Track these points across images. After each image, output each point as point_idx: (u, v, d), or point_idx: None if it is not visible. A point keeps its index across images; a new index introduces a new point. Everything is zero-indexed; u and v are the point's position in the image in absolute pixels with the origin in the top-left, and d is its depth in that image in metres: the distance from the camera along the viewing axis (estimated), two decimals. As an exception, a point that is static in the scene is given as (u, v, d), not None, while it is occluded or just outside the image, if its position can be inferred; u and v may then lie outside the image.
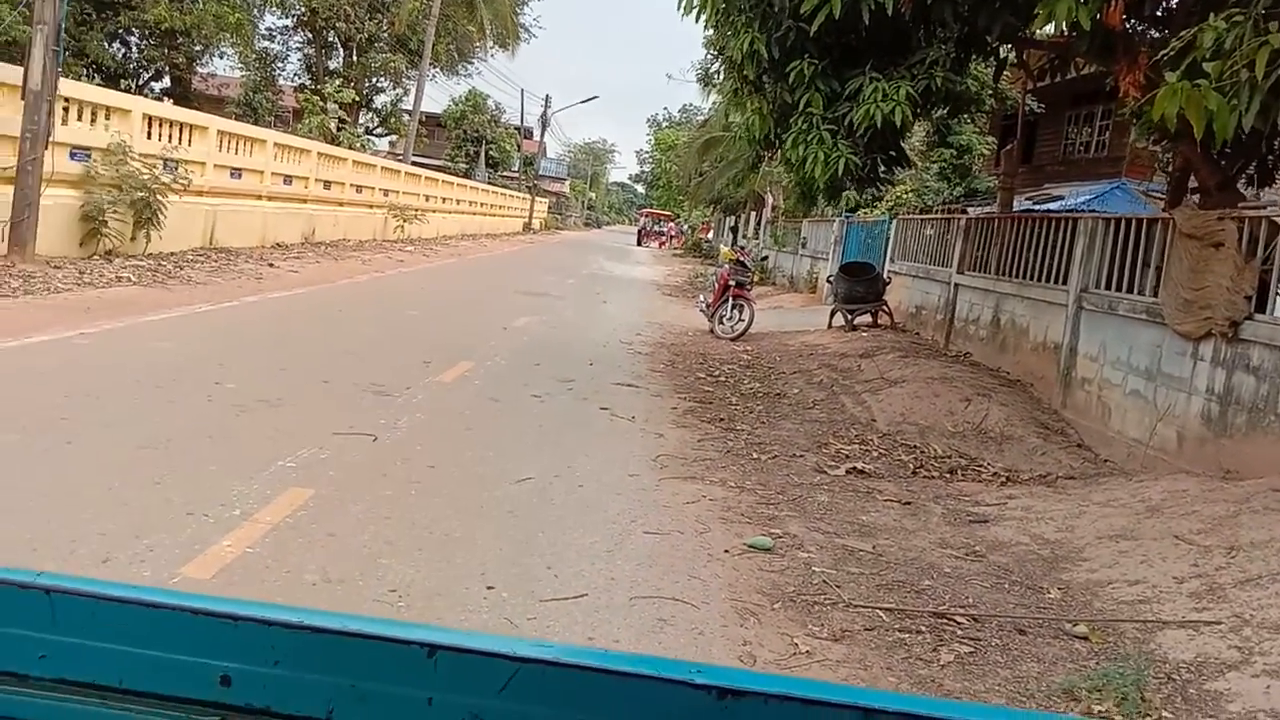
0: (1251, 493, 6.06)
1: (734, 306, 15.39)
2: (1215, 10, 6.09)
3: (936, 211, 18.53)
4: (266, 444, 6.13)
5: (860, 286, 15.50)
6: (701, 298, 17.90)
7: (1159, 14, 8.93)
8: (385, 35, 38.62)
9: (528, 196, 59.58)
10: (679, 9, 9.78)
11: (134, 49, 31.57)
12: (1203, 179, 9.15)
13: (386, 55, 38.57)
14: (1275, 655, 4.31)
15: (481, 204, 46.30)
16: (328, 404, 7.48)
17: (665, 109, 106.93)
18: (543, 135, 63.96)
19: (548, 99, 61.82)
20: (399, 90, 42.24)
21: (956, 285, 13.55)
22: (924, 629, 4.54)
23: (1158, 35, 8.87)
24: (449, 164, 50.16)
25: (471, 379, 9.33)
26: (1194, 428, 7.61)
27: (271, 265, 17.02)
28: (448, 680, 0.65)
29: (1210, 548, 5.43)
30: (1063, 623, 4.74)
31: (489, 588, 4.37)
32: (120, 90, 20.56)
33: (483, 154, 54.06)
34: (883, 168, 11.20)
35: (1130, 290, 8.91)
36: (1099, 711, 3.85)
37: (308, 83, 37.13)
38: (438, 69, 43.91)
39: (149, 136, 15.41)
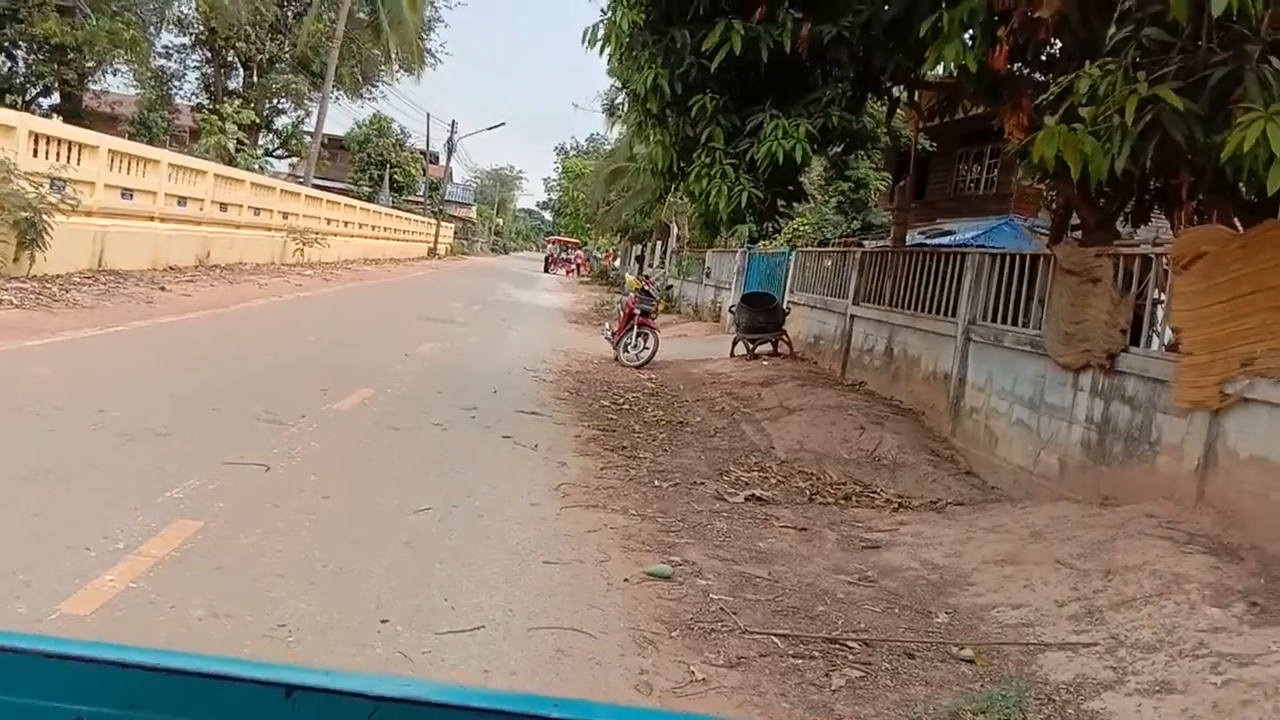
0: (1127, 518, 6.35)
1: (639, 335, 15.50)
2: (1091, 58, 6.42)
3: (834, 244, 18.99)
4: (154, 474, 5.94)
5: (761, 316, 15.78)
6: (607, 325, 17.98)
7: (1042, 59, 9.37)
8: (287, 56, 38.00)
9: (433, 221, 59.03)
10: (584, 42, 9.89)
11: (20, 63, 30.41)
12: (1083, 217, 9.60)
13: (288, 77, 37.94)
14: (1147, 675, 4.51)
15: (385, 228, 45.67)
16: (219, 433, 7.28)
17: (573, 137, 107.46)
18: (449, 160, 63.53)
19: (454, 124, 61.56)
20: (301, 112, 41.56)
21: (852, 316, 13.89)
22: (817, 654, 4.63)
23: (1040, 79, 9.30)
24: (352, 187, 49.41)
25: (370, 407, 9.18)
26: (1075, 455, 7.94)
27: (163, 289, 16.50)
28: (306, 721, 0.67)
29: (1089, 571, 5.66)
30: (950, 646, 4.88)
31: (383, 621, 4.30)
32: (6, 106, 19.77)
33: (387, 178, 53.40)
34: (782, 202, 11.45)
35: (1015, 323, 9.27)
36: (983, 732, 3.97)
37: (206, 102, 36.24)
38: (341, 91, 43.31)
39: (35, 154, 14.83)
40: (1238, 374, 6.30)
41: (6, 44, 28.41)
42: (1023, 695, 4.26)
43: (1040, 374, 8.55)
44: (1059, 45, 8.80)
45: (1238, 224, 7.31)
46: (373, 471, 6.89)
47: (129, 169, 18.52)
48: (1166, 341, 7.42)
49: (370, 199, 48.20)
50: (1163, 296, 7.51)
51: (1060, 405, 8.20)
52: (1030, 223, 18.77)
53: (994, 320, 9.67)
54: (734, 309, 17.61)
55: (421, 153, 58.77)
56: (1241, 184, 6.47)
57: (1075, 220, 10.23)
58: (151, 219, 19.65)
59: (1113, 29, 6.19)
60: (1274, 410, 6.07)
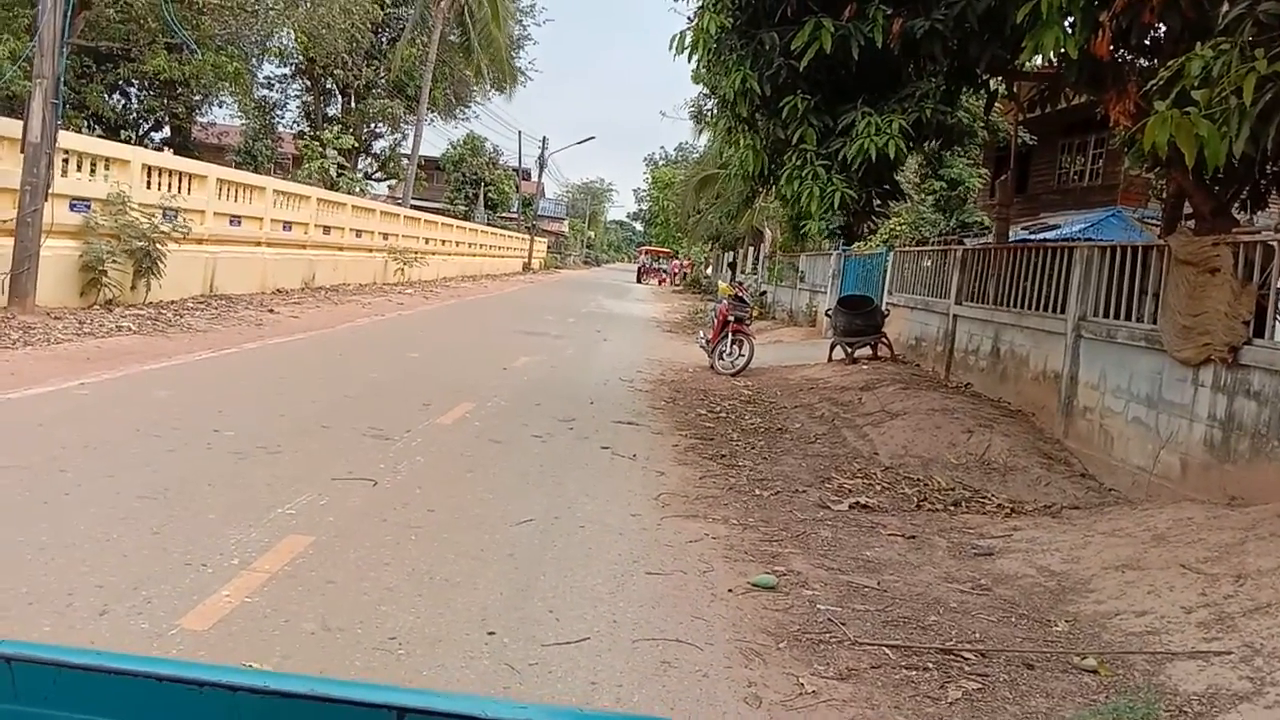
0: (1258, 519, 6.01)
1: (733, 342, 15.40)
2: (1202, 39, 6.13)
3: (933, 243, 18.59)
4: (265, 491, 6.10)
5: (859, 319, 15.52)
6: (701, 334, 17.91)
7: (1146, 43, 9.00)
8: (382, 81, 39.00)
9: (526, 237, 59.87)
10: (671, 49, 9.88)
11: (134, 100, 31.88)
12: (1197, 205, 9.17)
13: (384, 101, 38.93)
14: (1287, 684, 4.25)
15: (481, 245, 46.50)
16: (327, 449, 7.45)
17: (662, 147, 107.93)
18: (540, 176, 64.38)
19: (545, 140, 62.29)
20: (397, 135, 42.61)
21: (955, 316, 13.55)
22: (931, 666, 4.48)
23: (1146, 64, 8.94)
24: (448, 206, 50.46)
25: (471, 420, 9.30)
26: (1197, 454, 7.57)
27: (272, 311, 17.06)
28: (419, 745, 0.64)
29: (1218, 576, 5.37)
30: (1071, 656, 4.68)
31: (490, 633, 4.32)
32: (121, 141, 20.76)
33: (481, 196, 54.39)
34: (877, 201, 11.24)
35: (1129, 318, 8.90)
36: (1110, 746, 3.79)
37: (306, 129, 37.42)
38: (435, 113, 44.28)
39: (148, 186, 15.52)
40: (1376, 364, 5.92)
41: (120, 82, 29.79)
42: (1151, 707, 4.05)
43: (1157, 370, 8.18)
44: (1164, 28, 8.44)
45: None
46: (475, 484, 6.97)
47: (236, 197, 19.23)
48: (1295, 332, 7.04)
49: (466, 217, 49.17)
50: (1289, 285, 7.12)
51: (1180, 402, 7.83)
52: (1139, 213, 18.08)
53: (1106, 316, 9.31)
54: (830, 312, 17.37)
55: (514, 170, 59.70)
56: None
57: (1188, 209, 9.78)
58: (258, 244, 20.36)
59: (1226, 6, 5.91)
60: None
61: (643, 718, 0.70)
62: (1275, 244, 7.32)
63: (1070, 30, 7.59)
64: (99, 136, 20.12)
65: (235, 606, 4.32)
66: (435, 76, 38.00)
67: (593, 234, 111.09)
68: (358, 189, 33.88)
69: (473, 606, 4.61)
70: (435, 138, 79.74)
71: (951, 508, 7.58)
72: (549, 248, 73.61)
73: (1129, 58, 9.21)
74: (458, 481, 7.00)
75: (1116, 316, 9.10)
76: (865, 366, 14.55)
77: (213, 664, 0.69)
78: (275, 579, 4.69)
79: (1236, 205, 9.84)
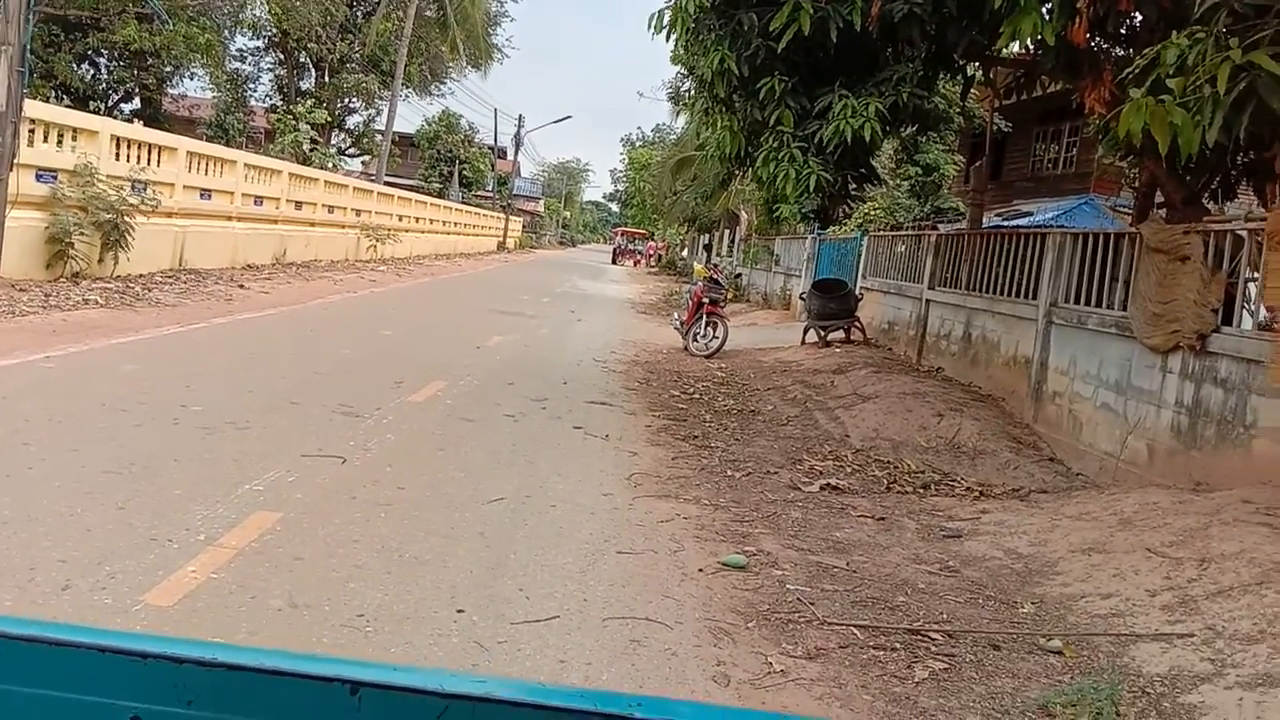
0: (1222, 504, 6.09)
1: (708, 324, 15.39)
2: (1177, 27, 6.16)
3: (907, 228, 18.65)
4: (233, 467, 6.04)
5: (833, 303, 15.56)
6: (676, 315, 17.90)
7: (1123, 31, 9.03)
8: (357, 56, 38.56)
9: (502, 216, 59.53)
10: (649, 28, 9.82)
11: (103, 70, 31.35)
12: (1169, 194, 9.24)
13: (358, 76, 38.50)
14: (1248, 667, 4.31)
15: (455, 223, 46.18)
16: (296, 426, 7.39)
17: (639, 128, 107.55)
18: (516, 155, 63.99)
19: (521, 119, 61.87)
20: (371, 110, 42.17)
21: (928, 301, 13.61)
22: (898, 646, 4.51)
23: (1122, 53, 8.97)
24: (422, 184, 50.05)
25: (443, 399, 9.25)
26: (1164, 440, 7.66)
27: (242, 286, 16.87)
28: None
29: (1182, 560, 5.44)
30: (1036, 637, 4.73)
31: (459, 611, 4.30)
32: (90, 112, 20.38)
33: (456, 174, 53.97)
34: (853, 185, 11.25)
35: (1099, 304, 8.97)
36: (1074, 727, 3.83)
37: (279, 103, 36.97)
38: (410, 89, 43.84)
39: (117, 158, 15.26)
40: (1341, 353, 6.00)
41: (89, 52, 29.29)
42: (1115, 688, 4.09)
43: (1126, 356, 8.26)
44: (1140, 17, 8.47)
45: (1337, 196, 6.97)
46: (446, 462, 6.93)
47: (207, 170, 18.97)
48: (1260, 320, 7.11)
49: (440, 195, 48.81)
50: (1255, 275, 7.19)
51: (1148, 388, 7.91)
52: (1111, 202, 18.20)
53: (1077, 302, 9.37)
54: (805, 296, 17.40)
55: (490, 148, 59.28)
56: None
57: (1160, 198, 9.85)
58: (229, 218, 20.11)
59: (1201, -5, 5.93)
60: (1381, 390, 5.77)
61: (604, 693, 0.68)
62: (1245, 233, 7.38)
63: (1048, 17, 7.60)
64: (67, 107, 19.77)
65: (201, 582, 4.28)
66: (410, 52, 37.63)
67: (569, 214, 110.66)
68: (331, 164, 33.52)
69: (442, 584, 4.59)
70: (410, 114, 79.03)
71: (921, 490, 7.62)
72: (524, 227, 73.26)
73: (1105, 46, 9.25)
74: (429, 460, 6.96)
75: (1087, 303, 9.17)
76: (838, 350, 14.60)
77: (158, 635, 0.67)
78: (242, 555, 4.64)
79: (1208, 195, 9.93)
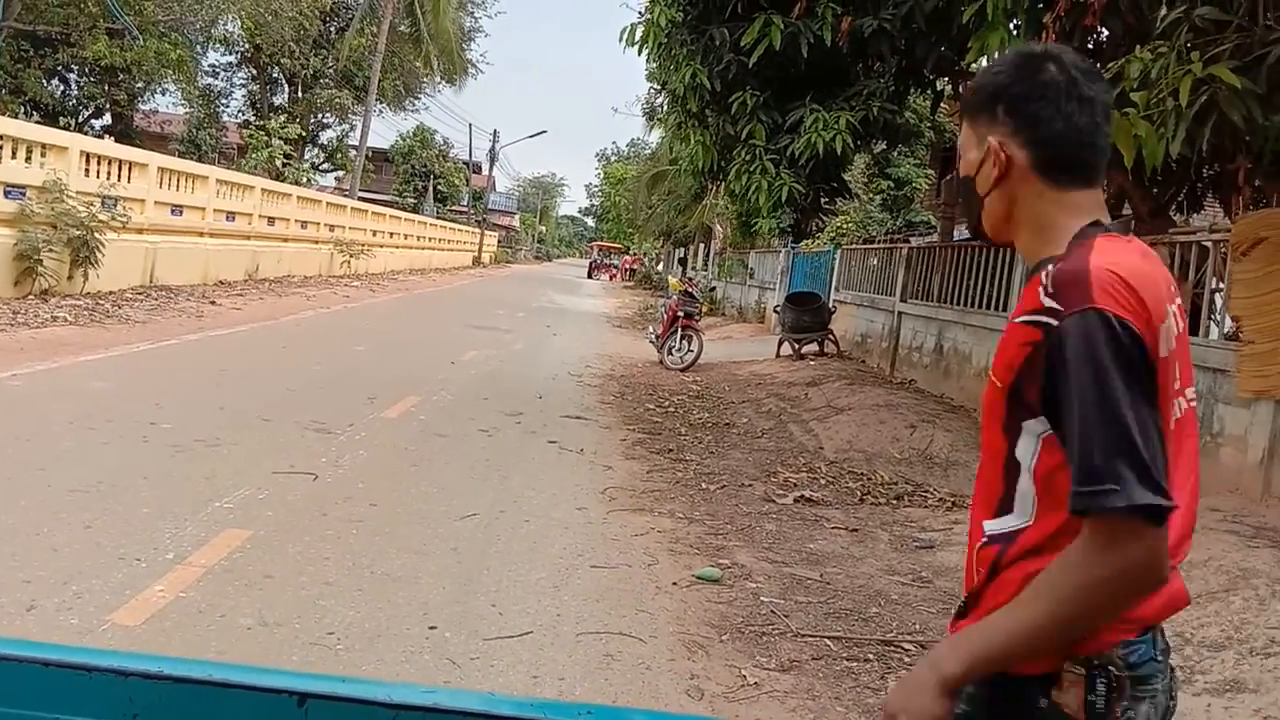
0: (1190, 513, 6.15)
1: (683, 337, 15.43)
2: (1141, 42, 6.25)
3: (879, 242, 18.79)
4: (203, 485, 5.99)
5: (807, 316, 15.63)
6: (651, 329, 17.93)
7: (1090, 46, 9.15)
8: (330, 71, 38.50)
9: (477, 230, 59.48)
10: (621, 41, 9.86)
11: (73, 86, 31.19)
12: (1135, 206, 9.36)
13: (332, 91, 38.47)
14: (1216, 674, 4.36)
15: (430, 238, 46.08)
16: (268, 443, 7.33)
17: (614, 143, 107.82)
18: (491, 169, 64.03)
19: (495, 133, 61.89)
20: (345, 126, 42.15)
21: (900, 313, 13.71)
22: (871, 657, 4.53)
23: (1089, 67, 9.09)
24: (397, 199, 49.94)
25: (417, 414, 9.21)
26: (1133, 450, 7.73)
27: (214, 303, 16.75)
28: (320, 731, 0.62)
29: (1151, 568, 5.48)
30: (1008, 647, 4.75)
31: (431, 628, 4.28)
32: (60, 128, 20.21)
33: (431, 188, 53.91)
34: (825, 198, 11.34)
35: (1068, 316, 9.06)
36: (1045, 735, 3.84)
37: (252, 119, 36.84)
38: (384, 104, 43.81)
39: (87, 174, 15.13)
40: (1303, 362, 6.09)
41: (59, 67, 29.09)
42: (1086, 697, 4.12)
43: (1095, 367, 8.34)
44: (1106, 32, 8.59)
45: (1299, 208, 7.08)
46: (419, 478, 6.90)
47: (178, 186, 18.84)
48: (1226, 330, 7.20)
49: (415, 210, 48.71)
50: (1221, 285, 7.29)
51: (1117, 399, 7.99)
52: (1080, 214, 18.39)
53: (1046, 313, 9.47)
54: (779, 309, 17.48)
55: (464, 163, 59.27)
56: (1302, 166, 6.27)
57: (1127, 210, 9.98)
58: (201, 235, 19.98)
59: (1164, 10, 6.02)
60: (1343, 399, 5.86)
61: (553, 702, 0.68)
62: (1210, 244, 7.49)
63: (1015, 32, 7.69)
64: (37, 123, 19.60)
65: (169, 601, 4.23)
66: (384, 67, 37.58)
67: (544, 229, 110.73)
68: (304, 180, 33.40)
69: (414, 601, 4.56)
70: (384, 129, 79.03)
71: (894, 501, 7.66)
72: (499, 242, 73.19)
73: (1072, 60, 9.35)
74: (401, 476, 6.93)
75: (1057, 314, 9.26)
76: (812, 362, 14.67)
77: (104, 649, 0.67)
78: (211, 574, 4.60)
79: (1174, 206, 10.07)
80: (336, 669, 3.80)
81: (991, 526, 1.60)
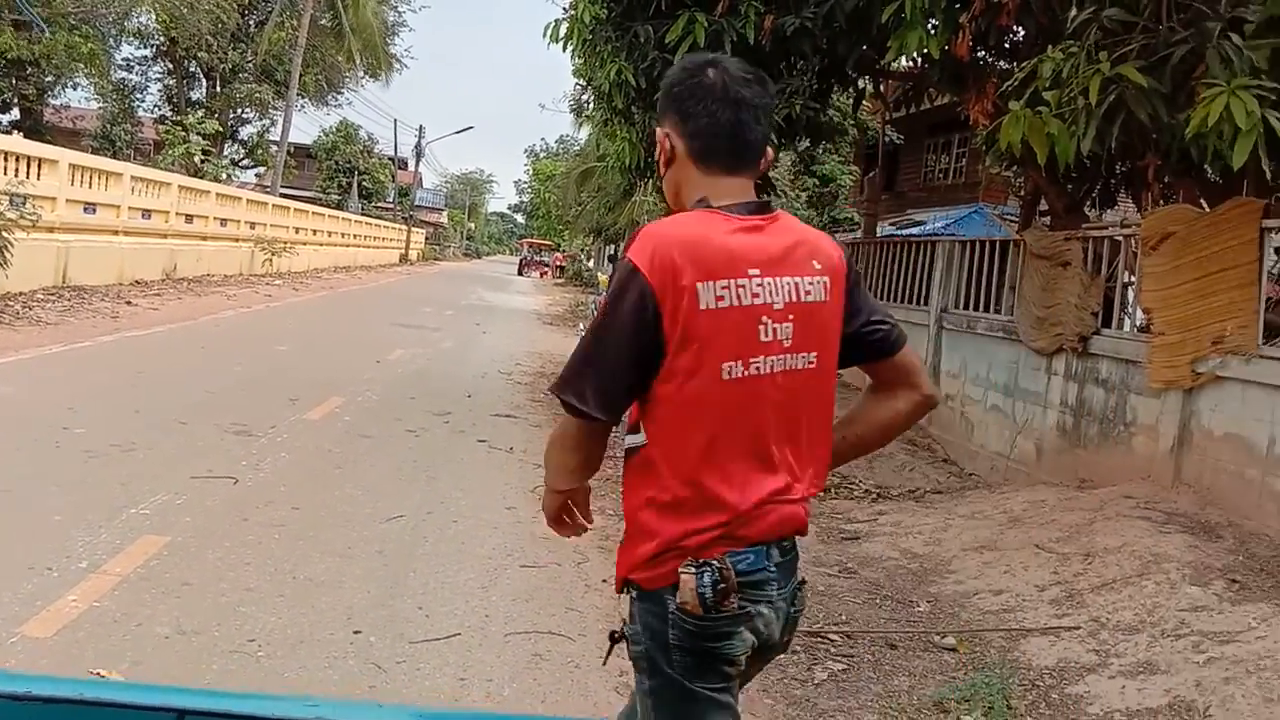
0: (1105, 500, 6.34)
1: (612, 334, 15.39)
2: (1054, 42, 6.41)
3: (807, 237, 18.96)
4: (118, 491, 5.81)
5: (736, 312, 15.72)
6: (582, 326, 17.89)
7: (1006, 46, 9.37)
8: (250, 65, 37.64)
9: (403, 227, 58.71)
10: (545, 37, 9.81)
11: (-23, 79, 29.98)
12: (1051, 202, 9.62)
13: (251, 86, 37.59)
14: (1130, 656, 4.50)
15: (355, 235, 45.35)
16: (186, 447, 7.14)
17: (543, 139, 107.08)
18: (417, 165, 63.23)
19: (421, 129, 61.13)
20: (266, 121, 41.18)
21: (827, 308, 13.87)
22: (799, 649, 4.57)
23: (1006, 66, 9.30)
24: (321, 195, 49.02)
25: (341, 415, 9.06)
26: (1051, 440, 7.94)
27: (129, 303, 16.27)
28: (201, 748, 0.59)
29: (1068, 555, 5.64)
30: (932, 635, 4.85)
31: (356, 632, 4.21)
32: (-39, 123, 19.45)
33: (355, 185, 53.03)
34: (751, 195, 11.40)
35: (988, 310, 9.27)
36: (967, 721, 3.93)
37: (169, 114, 35.84)
38: (306, 99, 42.98)
39: (-8, 171, 14.59)
40: (1209, 352, 6.31)
41: (-38, 60, 27.97)
42: (1006, 682, 4.22)
43: (1014, 359, 8.55)
44: (1022, 32, 8.80)
45: (1204, 204, 7.33)
46: (344, 481, 6.78)
47: (91, 183, 18.26)
48: (1138, 323, 7.44)
49: (339, 207, 47.88)
50: (1132, 278, 7.53)
51: (1034, 390, 8.20)
52: (999, 210, 18.83)
53: (966, 308, 9.67)
54: (708, 305, 17.52)
55: (390, 159, 58.44)
56: (1206, 164, 6.48)
57: (1044, 206, 10.25)
58: (115, 233, 19.39)
59: (1074, 11, 6.19)
60: (1246, 387, 6.09)
61: (442, 710, 0.66)
62: (1121, 239, 7.72)
63: (933, 31, 7.84)
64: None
65: (82, 611, 4.10)
66: (305, 61, 36.84)
67: (473, 225, 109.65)
68: (223, 176, 32.61)
69: (338, 606, 4.49)
70: (306, 125, 77.50)
71: (821, 494, 7.75)
72: (427, 239, 72.32)
73: (990, 59, 9.57)
74: (325, 478, 6.80)
75: (976, 308, 9.46)
76: (741, 358, 14.75)
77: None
78: (126, 582, 4.46)
79: (1089, 202, 10.36)
80: (258, 677, 3.72)
81: None
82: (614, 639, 2.02)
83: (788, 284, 1.88)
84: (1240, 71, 5.30)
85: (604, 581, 5.26)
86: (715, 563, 1.81)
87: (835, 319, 1.98)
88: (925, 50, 7.73)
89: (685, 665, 1.86)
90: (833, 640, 4.70)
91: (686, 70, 1.99)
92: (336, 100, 46.42)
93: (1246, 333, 6.14)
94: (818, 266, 1.93)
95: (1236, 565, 5.12)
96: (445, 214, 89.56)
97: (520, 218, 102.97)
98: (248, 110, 39.80)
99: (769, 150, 2.01)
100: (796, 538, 2.00)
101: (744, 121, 1.92)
